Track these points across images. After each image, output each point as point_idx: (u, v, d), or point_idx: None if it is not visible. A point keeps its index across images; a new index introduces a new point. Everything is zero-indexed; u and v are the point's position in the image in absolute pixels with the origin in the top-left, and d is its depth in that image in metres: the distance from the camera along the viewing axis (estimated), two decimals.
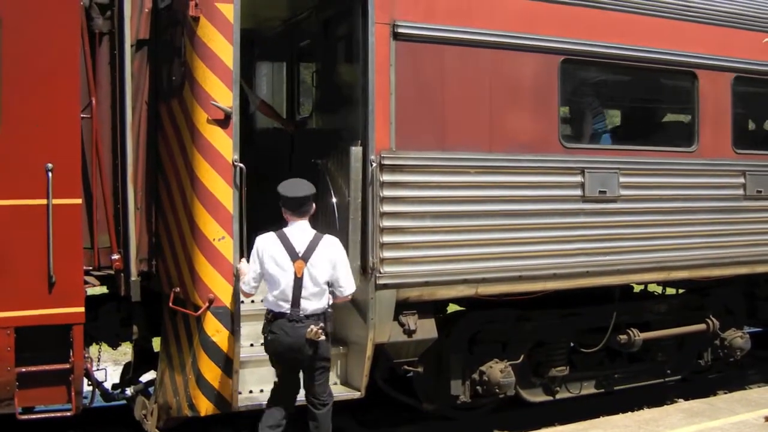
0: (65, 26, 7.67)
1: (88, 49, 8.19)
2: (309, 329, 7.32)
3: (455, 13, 8.85)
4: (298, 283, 7.35)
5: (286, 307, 7.38)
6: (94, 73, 8.32)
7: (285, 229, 7.52)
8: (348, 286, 7.60)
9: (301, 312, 7.35)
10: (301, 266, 7.35)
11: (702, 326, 11.34)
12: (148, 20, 8.64)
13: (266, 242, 7.49)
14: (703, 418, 9.84)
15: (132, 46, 8.46)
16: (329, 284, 7.49)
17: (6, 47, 7.36)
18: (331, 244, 7.51)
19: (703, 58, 10.43)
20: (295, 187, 7.56)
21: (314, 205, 7.64)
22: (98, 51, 8.44)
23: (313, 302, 7.40)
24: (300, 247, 7.40)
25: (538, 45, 9.27)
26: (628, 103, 10.80)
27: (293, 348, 7.41)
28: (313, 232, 7.54)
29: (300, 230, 7.50)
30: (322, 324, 7.40)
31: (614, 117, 11.03)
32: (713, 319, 11.38)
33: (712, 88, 10.57)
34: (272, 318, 7.48)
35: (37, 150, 7.46)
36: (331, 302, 7.57)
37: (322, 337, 7.40)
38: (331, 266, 7.46)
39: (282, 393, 7.75)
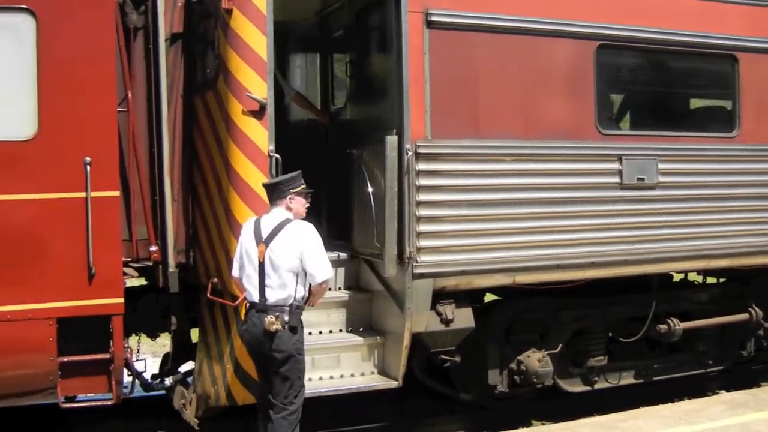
0: (100, 22, 7.77)
1: (123, 44, 8.29)
2: (267, 319, 7.06)
3: (488, 0, 8.81)
4: (261, 268, 7.12)
5: (254, 294, 7.15)
6: (130, 67, 8.41)
7: (263, 215, 7.39)
8: (317, 273, 7.11)
9: (267, 301, 7.11)
10: (262, 250, 7.11)
11: (744, 316, 11.15)
12: (181, 14, 8.73)
13: (246, 225, 7.37)
14: (746, 410, 9.71)
15: (166, 40, 8.54)
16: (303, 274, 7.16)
17: (42, 44, 7.48)
18: (295, 229, 7.14)
19: (744, 41, 10.27)
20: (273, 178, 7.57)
21: (290, 192, 7.26)
22: (133, 46, 8.53)
23: (276, 291, 7.09)
24: (265, 232, 7.16)
25: (573, 31, 9.20)
26: (666, 88, 10.65)
27: (256, 339, 7.18)
28: (283, 217, 7.22)
29: (272, 216, 7.27)
30: (278, 314, 7.04)
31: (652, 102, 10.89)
32: (756, 308, 11.19)
33: (753, 72, 10.41)
34: (249, 307, 7.29)
35: (76, 144, 7.56)
36: (301, 295, 7.18)
37: (277, 328, 7.02)
38: (296, 253, 7.07)
39: (259, 390, 7.63)
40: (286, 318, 7.07)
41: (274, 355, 7.12)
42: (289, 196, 7.27)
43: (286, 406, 7.18)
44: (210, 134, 8.47)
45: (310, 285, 7.30)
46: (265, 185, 7.47)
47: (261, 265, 7.12)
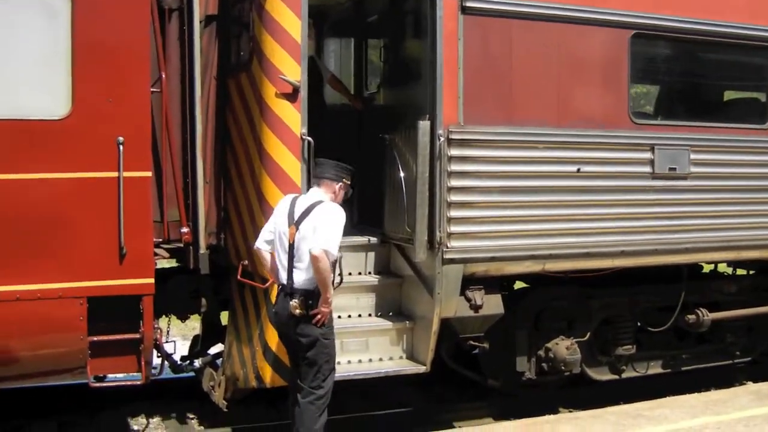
0: (135, 3, 7.74)
1: (158, 26, 8.28)
2: (292, 303, 7.01)
3: None
4: (290, 251, 7.04)
5: (284, 277, 7.11)
6: (164, 48, 8.41)
7: (300, 195, 7.36)
8: (317, 241, 6.86)
9: (294, 284, 7.07)
10: (293, 233, 7.03)
11: None
12: None
13: (282, 203, 7.31)
14: None
15: (201, 21, 8.54)
16: None
17: (78, 25, 7.45)
18: (321, 210, 7.02)
19: None
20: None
21: (343, 180, 7.32)
22: (168, 27, 8.53)
23: (304, 274, 7.01)
24: (298, 213, 7.08)
25: (608, 19, 9.15)
26: (699, 78, 10.59)
27: (283, 323, 7.20)
28: (317, 198, 7.15)
29: (307, 196, 7.25)
30: (303, 298, 6.99)
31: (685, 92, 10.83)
32: None
33: None
34: (279, 289, 7.25)
35: (109, 124, 7.55)
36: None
37: (301, 312, 6.98)
38: (312, 231, 6.97)
39: (290, 374, 7.62)
40: (308, 301, 7.03)
41: (299, 340, 7.12)
42: (341, 184, 7.31)
43: (313, 390, 7.16)
44: (243, 116, 8.48)
45: (341, 274, 7.30)
46: (319, 160, 7.47)
47: (291, 247, 7.07)
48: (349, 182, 7.38)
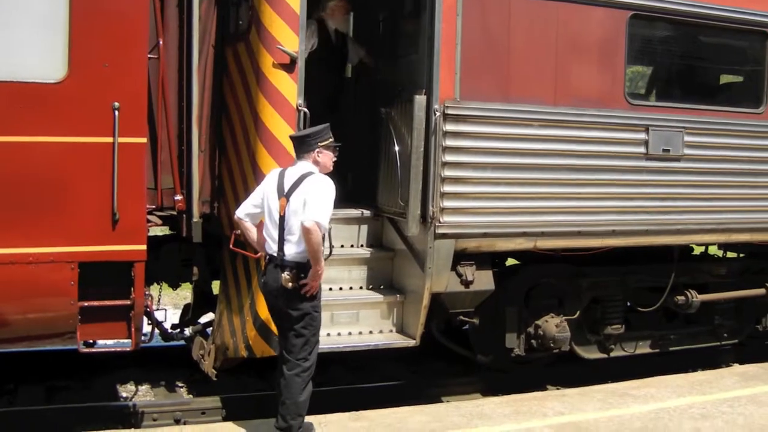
0: None
1: None
2: (284, 276, 6.98)
3: None
4: (281, 223, 7.02)
5: (274, 249, 7.07)
6: (162, 15, 8.38)
7: (289, 167, 7.29)
8: (307, 213, 6.83)
9: (285, 256, 7.03)
10: (283, 204, 7.00)
11: (761, 291, 11.19)
12: None
13: (270, 176, 7.27)
14: (758, 382, 9.77)
15: None
16: None
17: None
18: (311, 182, 6.96)
19: None
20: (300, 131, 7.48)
21: (317, 145, 7.15)
22: None
23: (294, 247, 6.98)
24: (287, 185, 7.04)
25: None
26: (695, 61, 10.60)
27: (272, 294, 7.17)
28: (306, 170, 7.08)
29: (296, 168, 7.16)
30: (295, 271, 6.97)
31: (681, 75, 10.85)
32: None
33: None
34: (268, 260, 7.22)
35: (105, 89, 7.49)
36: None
37: (293, 286, 6.95)
38: (303, 204, 6.93)
39: (280, 345, 7.55)
40: (303, 275, 7.01)
41: (289, 312, 7.10)
42: (317, 150, 7.19)
43: (299, 362, 7.16)
44: (239, 86, 8.47)
45: (331, 246, 7.30)
46: (292, 137, 7.41)
47: (281, 219, 7.05)
48: (325, 141, 7.21)
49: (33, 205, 7.36)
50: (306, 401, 7.23)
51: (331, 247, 7.43)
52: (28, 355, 10.10)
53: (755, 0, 10.08)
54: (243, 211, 7.34)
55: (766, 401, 9.03)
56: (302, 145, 7.23)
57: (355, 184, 10.06)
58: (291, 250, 7.02)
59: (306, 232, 6.83)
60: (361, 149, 9.72)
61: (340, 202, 9.10)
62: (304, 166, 7.18)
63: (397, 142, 8.75)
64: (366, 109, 9.84)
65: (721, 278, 11.10)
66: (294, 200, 6.98)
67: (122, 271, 7.73)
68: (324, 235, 7.09)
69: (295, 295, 7.03)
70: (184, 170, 8.54)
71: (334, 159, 7.36)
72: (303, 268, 7.01)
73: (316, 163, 7.19)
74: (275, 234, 7.11)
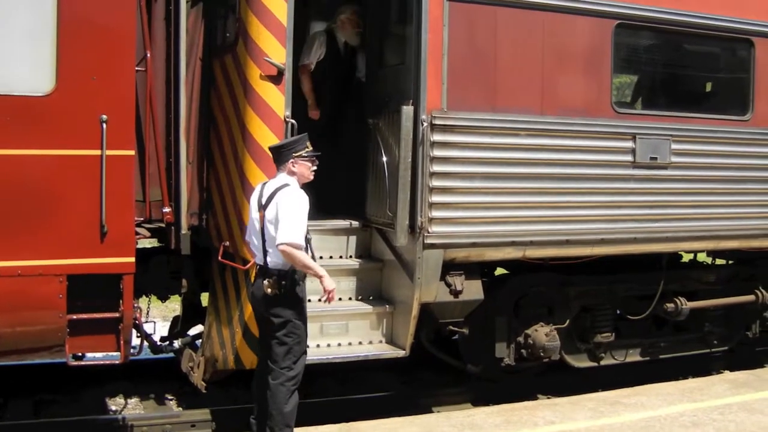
0: None
1: (144, 4, 8.25)
2: (265, 282, 7.11)
3: None
4: (262, 234, 7.17)
5: (260, 258, 7.23)
6: (150, 27, 8.39)
7: (270, 180, 7.40)
8: (279, 234, 6.94)
9: (269, 265, 7.13)
10: (262, 216, 7.14)
11: (750, 297, 11.22)
12: None
13: (255, 189, 7.41)
14: (748, 389, 9.78)
15: (187, 2, 8.51)
16: None
17: (64, 1, 7.40)
18: (282, 197, 7.06)
19: (761, 26, 10.24)
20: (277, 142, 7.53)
21: (291, 156, 7.20)
22: (154, 6, 8.52)
23: (275, 256, 7.07)
24: (265, 197, 7.18)
25: (592, 8, 9.17)
26: (682, 69, 10.64)
27: (258, 302, 7.29)
28: (282, 183, 7.17)
29: (274, 181, 7.28)
30: (276, 278, 7.07)
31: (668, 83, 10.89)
32: (762, 290, 11.25)
33: None
34: (257, 270, 7.35)
35: (92, 101, 7.48)
36: None
37: (274, 292, 7.06)
38: (275, 217, 7.06)
39: (260, 354, 7.63)
40: (284, 283, 7.09)
41: (271, 319, 7.17)
42: (291, 160, 7.23)
43: (283, 371, 7.18)
44: (227, 98, 8.48)
45: (312, 257, 7.29)
46: (270, 149, 7.46)
47: (262, 230, 7.17)
48: (299, 152, 7.23)
49: (21, 218, 7.33)
50: (292, 412, 7.24)
51: (312, 258, 7.38)
52: (16, 369, 10.06)
53: (740, 8, 10.13)
54: (246, 234, 7.49)
55: (757, 408, 9.04)
56: (279, 157, 7.29)
57: (343, 195, 10.05)
58: (273, 259, 7.12)
59: (283, 254, 6.96)
60: (350, 159, 9.73)
61: (328, 212, 9.17)
62: (281, 178, 7.27)
63: (385, 153, 8.76)
64: (355, 120, 9.85)
65: (711, 285, 11.11)
66: (268, 213, 7.11)
67: (111, 283, 7.70)
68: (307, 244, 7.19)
69: (275, 302, 7.11)
70: (173, 182, 8.53)
71: (314, 169, 7.38)
72: (285, 276, 7.11)
73: (292, 173, 7.26)
74: (259, 245, 7.23)
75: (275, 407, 7.17)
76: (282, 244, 6.92)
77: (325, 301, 7.24)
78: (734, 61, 10.73)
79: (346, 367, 8.91)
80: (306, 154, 7.27)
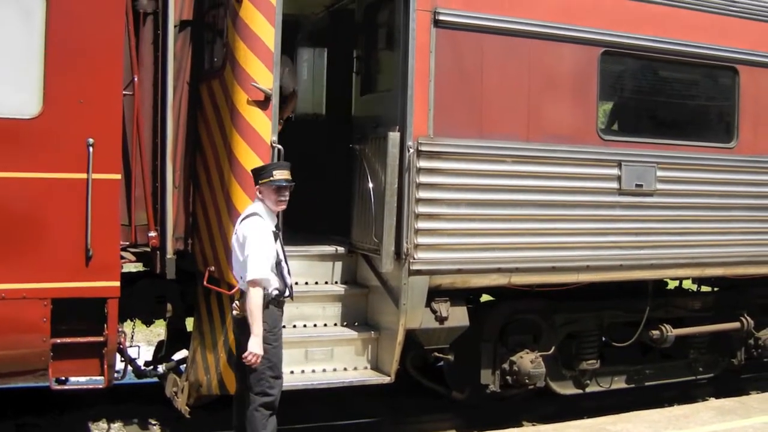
0: (111, 5, 7.71)
1: (132, 29, 8.28)
2: (233, 305, 7.14)
3: (496, 2, 8.86)
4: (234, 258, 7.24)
5: (240, 283, 7.21)
6: (137, 52, 8.41)
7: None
8: (246, 276, 6.98)
9: (241, 287, 7.15)
10: (232, 240, 7.22)
11: (736, 324, 11.24)
12: (191, 1, 8.74)
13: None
14: (734, 417, 9.76)
15: (175, 26, 8.54)
16: None
17: (52, 25, 7.41)
18: (245, 226, 7.07)
19: (745, 54, 10.36)
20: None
21: (257, 183, 7.19)
22: (142, 30, 8.54)
23: (244, 281, 7.06)
24: (237, 223, 7.24)
25: (578, 36, 9.25)
26: (667, 97, 10.71)
27: (233, 326, 7.35)
28: (250, 211, 7.17)
29: (248, 207, 7.31)
30: (244, 300, 7.00)
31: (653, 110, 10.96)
32: (748, 317, 11.28)
33: (753, 85, 10.51)
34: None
35: (79, 125, 7.50)
36: (273, 287, 7.12)
37: (240, 315, 7.06)
38: (237, 243, 7.10)
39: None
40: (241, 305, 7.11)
41: (242, 342, 7.11)
42: (257, 187, 7.21)
43: (257, 396, 7.12)
44: (214, 122, 8.48)
45: (289, 287, 7.28)
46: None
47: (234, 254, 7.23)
48: (264, 180, 7.12)
49: (5, 241, 7.32)
50: None
51: (289, 287, 7.34)
52: None
53: (725, 36, 10.22)
54: None
55: None
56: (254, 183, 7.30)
57: (329, 221, 10.05)
58: (244, 286, 7.08)
59: (250, 292, 6.94)
60: (335, 185, 9.73)
61: (314, 238, 9.16)
62: (253, 205, 7.31)
63: (371, 179, 8.76)
64: (340, 145, 9.86)
65: (696, 312, 11.14)
66: (233, 238, 7.18)
67: (95, 307, 7.70)
68: (279, 270, 7.18)
69: (245, 325, 7.03)
70: (158, 207, 8.53)
71: (281, 199, 7.23)
72: None
73: (261, 201, 7.24)
74: (237, 270, 7.24)
75: None
76: (245, 283, 6.96)
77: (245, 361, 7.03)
78: (719, 88, 10.80)
79: (332, 392, 8.86)
80: (270, 184, 7.15)
